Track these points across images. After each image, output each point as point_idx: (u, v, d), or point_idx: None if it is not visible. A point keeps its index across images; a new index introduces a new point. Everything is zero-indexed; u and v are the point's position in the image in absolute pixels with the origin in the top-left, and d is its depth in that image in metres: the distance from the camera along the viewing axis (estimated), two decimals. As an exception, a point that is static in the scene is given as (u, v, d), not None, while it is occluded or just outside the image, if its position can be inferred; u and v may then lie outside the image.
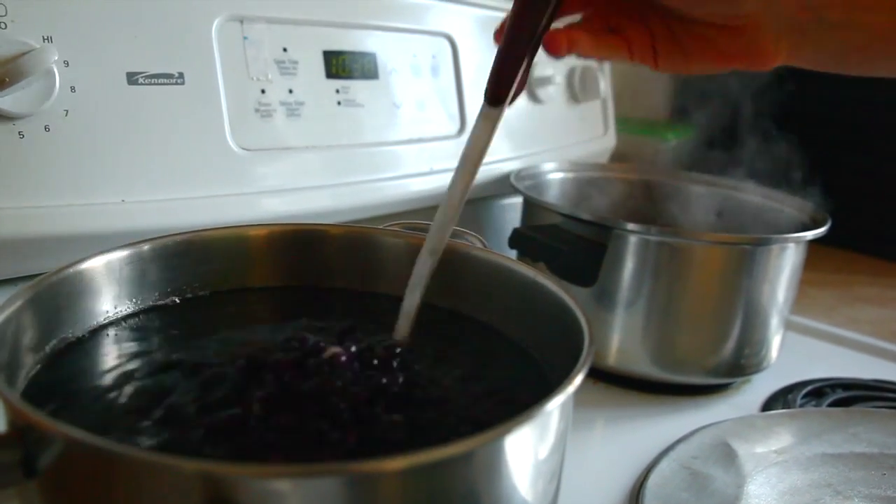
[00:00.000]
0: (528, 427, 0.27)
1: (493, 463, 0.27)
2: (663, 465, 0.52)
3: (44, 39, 0.46)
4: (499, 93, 0.39)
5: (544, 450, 0.30)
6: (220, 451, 0.29)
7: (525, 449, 0.28)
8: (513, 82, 0.39)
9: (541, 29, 0.39)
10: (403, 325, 0.40)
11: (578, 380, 0.29)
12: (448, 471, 0.26)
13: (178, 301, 0.43)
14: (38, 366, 0.34)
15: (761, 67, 0.42)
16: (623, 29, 0.43)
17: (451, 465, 0.26)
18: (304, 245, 0.47)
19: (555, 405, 0.28)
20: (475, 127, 0.40)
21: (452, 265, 0.45)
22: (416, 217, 0.50)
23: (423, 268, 0.40)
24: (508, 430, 0.26)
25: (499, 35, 0.41)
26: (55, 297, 0.36)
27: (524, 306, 0.41)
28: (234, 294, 0.45)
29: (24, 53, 0.44)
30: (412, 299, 0.40)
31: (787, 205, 0.76)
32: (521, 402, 0.35)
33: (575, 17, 0.44)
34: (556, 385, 0.29)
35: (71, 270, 0.37)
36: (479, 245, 0.46)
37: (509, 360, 0.40)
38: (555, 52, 0.41)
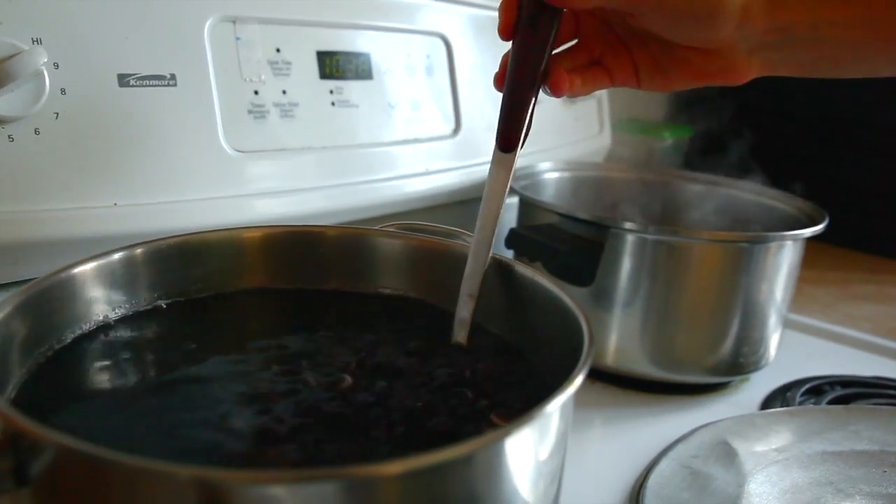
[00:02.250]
0: (528, 429, 0.27)
1: (494, 466, 0.27)
2: (663, 465, 0.52)
3: (33, 41, 0.46)
4: (510, 139, 0.40)
5: (545, 451, 0.29)
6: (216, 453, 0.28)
7: (526, 451, 0.28)
8: (522, 126, 0.40)
9: (542, 71, 0.40)
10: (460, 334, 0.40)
11: (579, 380, 0.29)
12: (447, 474, 0.26)
13: (171, 305, 0.42)
14: (30, 372, 0.34)
15: (736, 82, 0.44)
16: (605, 59, 0.45)
17: (451, 469, 0.25)
18: (299, 247, 0.46)
19: (555, 406, 0.27)
20: (490, 174, 0.41)
21: (449, 266, 0.45)
22: (411, 218, 0.49)
23: (464, 309, 0.40)
24: (508, 433, 0.26)
25: (499, 80, 0.42)
26: (46, 301, 0.35)
27: (522, 306, 0.41)
28: (229, 297, 0.44)
29: (12, 55, 0.44)
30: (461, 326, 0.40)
31: (784, 202, 0.76)
32: (517, 403, 0.35)
33: (569, 44, 0.45)
34: (557, 386, 0.28)
35: (62, 275, 0.37)
36: (475, 245, 0.46)
37: (505, 360, 0.40)
38: (557, 93, 0.42)
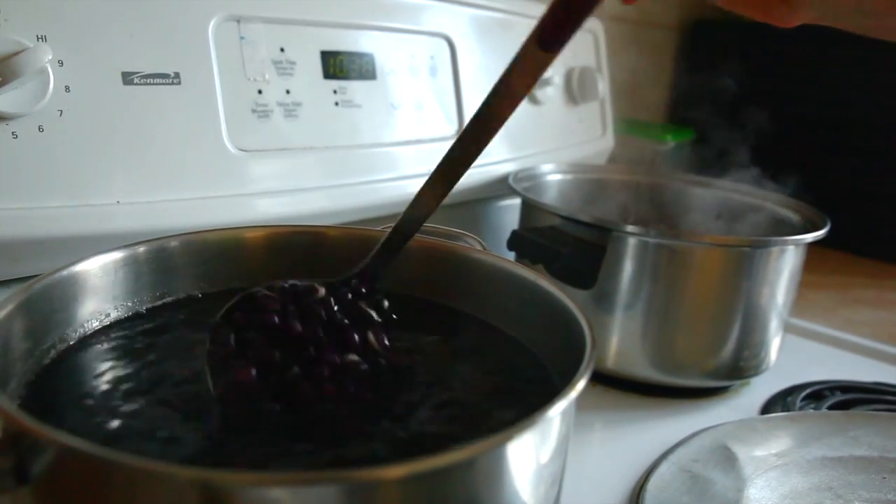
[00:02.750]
0: (529, 433, 0.27)
1: (495, 470, 0.27)
2: (663, 469, 0.52)
3: (38, 38, 0.46)
4: (559, 37, 0.32)
5: (546, 455, 0.29)
6: (214, 456, 0.28)
7: (527, 455, 0.28)
8: (576, 28, 0.33)
9: None
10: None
11: (581, 384, 0.29)
12: (449, 478, 0.26)
13: (173, 304, 0.42)
14: (32, 370, 0.34)
15: (784, 24, 0.40)
16: None
17: (453, 473, 0.25)
18: (302, 247, 0.46)
19: (557, 411, 0.27)
20: (515, 70, 0.34)
21: (452, 267, 0.45)
22: (413, 219, 0.49)
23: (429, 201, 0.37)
24: (510, 437, 0.26)
25: None
26: (49, 299, 0.35)
27: (524, 309, 0.41)
28: (231, 296, 0.44)
29: (17, 52, 0.44)
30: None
31: (787, 207, 0.76)
32: (522, 403, 0.34)
33: None
34: (559, 390, 0.28)
35: (65, 272, 0.36)
36: (478, 247, 0.46)
37: (511, 359, 0.40)
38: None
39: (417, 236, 0.46)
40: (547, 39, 0.33)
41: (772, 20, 0.41)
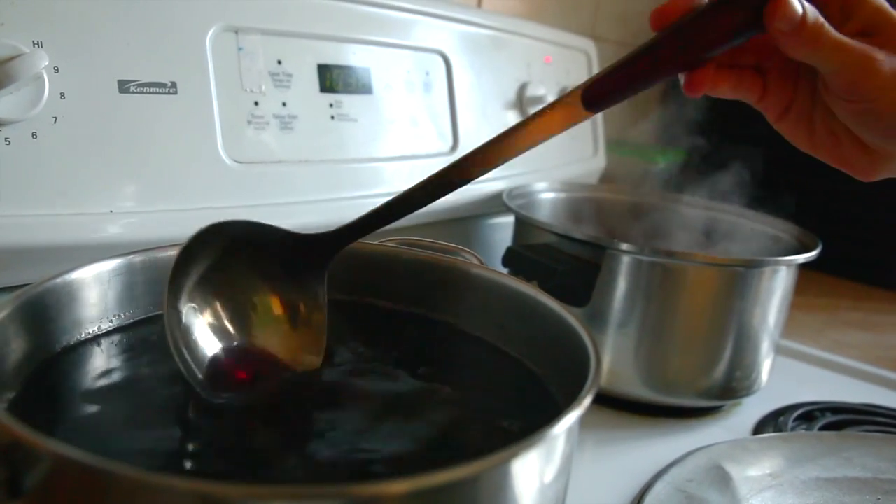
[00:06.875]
0: (534, 452, 0.26)
1: (499, 487, 0.26)
2: (658, 488, 0.51)
3: (34, 44, 0.45)
4: (601, 99, 0.35)
5: (550, 474, 0.29)
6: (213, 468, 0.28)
7: (531, 473, 0.27)
8: (621, 99, 0.35)
9: (693, 61, 0.34)
10: None
11: (587, 402, 0.28)
12: (453, 495, 0.25)
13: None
14: (24, 379, 0.33)
15: (864, 178, 0.41)
16: (769, 75, 0.39)
17: (456, 489, 0.25)
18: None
19: (562, 429, 0.27)
20: (545, 112, 0.36)
21: (449, 281, 0.44)
22: (408, 234, 0.49)
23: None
24: (515, 455, 0.25)
25: (658, 19, 0.35)
26: (42, 307, 0.35)
27: (523, 325, 0.41)
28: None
29: (13, 58, 0.43)
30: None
31: (776, 228, 0.77)
32: (524, 421, 0.34)
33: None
34: (560, 407, 0.28)
35: (58, 281, 0.36)
36: (475, 262, 0.45)
37: (510, 378, 0.39)
38: (692, 91, 0.36)
39: (414, 251, 0.46)
40: (590, 99, 0.34)
41: (852, 171, 0.41)
